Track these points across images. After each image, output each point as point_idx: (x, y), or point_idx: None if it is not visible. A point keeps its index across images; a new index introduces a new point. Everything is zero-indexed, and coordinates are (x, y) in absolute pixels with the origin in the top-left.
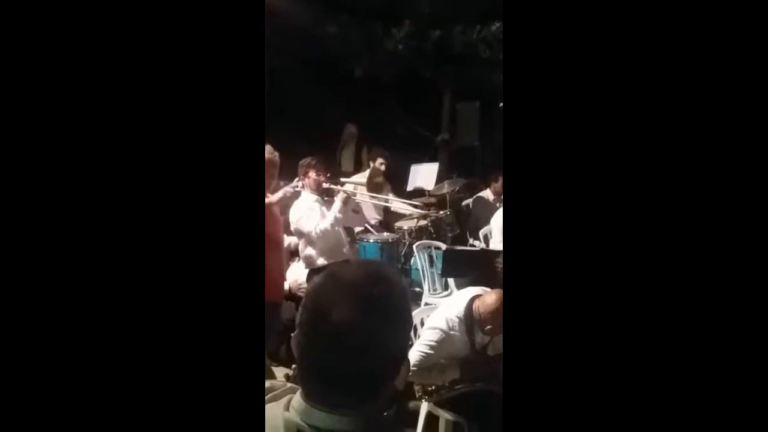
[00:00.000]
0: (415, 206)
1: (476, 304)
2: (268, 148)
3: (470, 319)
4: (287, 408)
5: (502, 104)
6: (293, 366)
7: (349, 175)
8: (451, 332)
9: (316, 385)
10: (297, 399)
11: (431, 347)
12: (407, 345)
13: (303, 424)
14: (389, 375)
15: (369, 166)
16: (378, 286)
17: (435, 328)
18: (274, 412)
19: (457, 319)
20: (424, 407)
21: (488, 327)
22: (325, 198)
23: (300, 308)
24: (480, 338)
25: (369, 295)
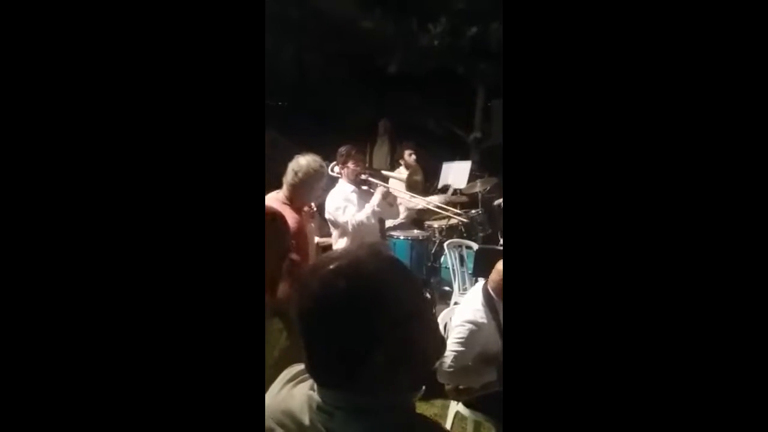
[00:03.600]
0: (453, 211)
1: (489, 280)
2: (317, 159)
3: (491, 300)
4: (312, 387)
5: (489, 103)
6: None
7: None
8: (479, 321)
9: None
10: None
11: (462, 343)
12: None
13: (325, 403)
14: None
15: (400, 162)
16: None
17: (462, 324)
18: (301, 391)
19: (481, 307)
20: (453, 407)
21: None
22: (363, 188)
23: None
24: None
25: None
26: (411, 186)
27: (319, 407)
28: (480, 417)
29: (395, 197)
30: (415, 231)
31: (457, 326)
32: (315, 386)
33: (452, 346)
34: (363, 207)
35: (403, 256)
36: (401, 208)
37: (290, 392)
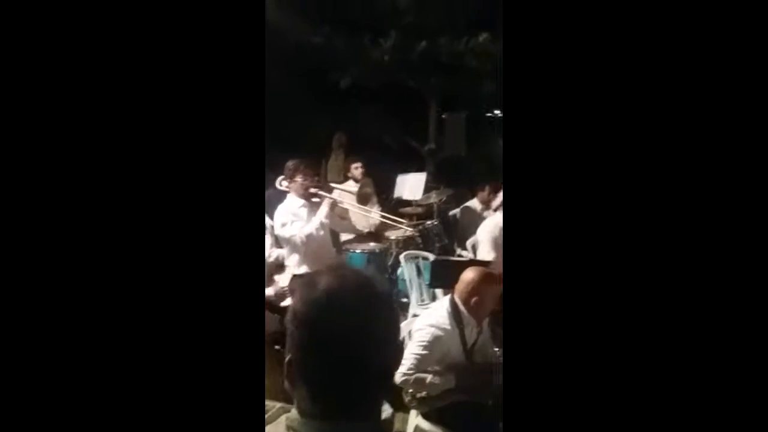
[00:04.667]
0: (401, 222)
1: (455, 290)
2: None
3: (456, 309)
4: (288, 429)
5: (491, 114)
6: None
7: (335, 184)
8: (443, 326)
9: (317, 401)
10: (293, 416)
11: (424, 347)
12: (400, 349)
13: None
14: (387, 381)
15: (348, 176)
16: (370, 298)
17: (424, 328)
18: None
19: (446, 314)
20: (413, 420)
21: (474, 299)
22: (313, 200)
23: (291, 323)
24: (470, 329)
25: (362, 307)
26: (362, 198)
27: None
28: (440, 430)
29: (346, 210)
30: (371, 244)
31: (419, 330)
32: (290, 428)
33: (414, 350)
34: (311, 220)
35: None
36: (363, 222)
37: None
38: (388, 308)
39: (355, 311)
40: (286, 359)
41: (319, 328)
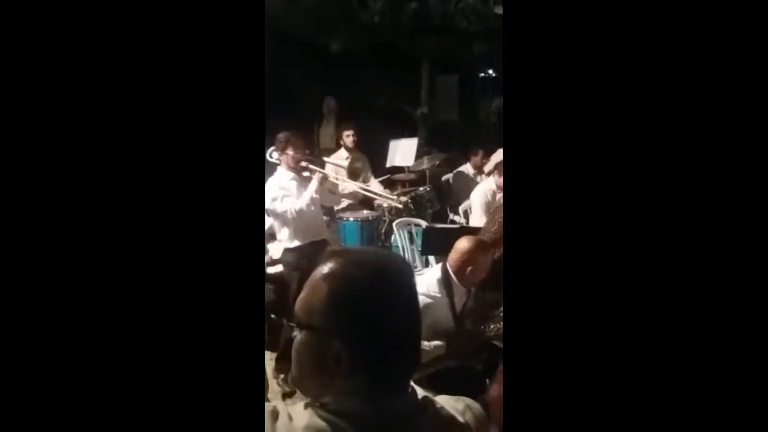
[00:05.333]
0: (390, 198)
1: (449, 258)
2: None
3: (447, 277)
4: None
5: (484, 74)
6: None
7: (328, 151)
8: (432, 294)
9: (359, 384)
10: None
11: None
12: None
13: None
14: (419, 354)
15: (341, 144)
16: (399, 276)
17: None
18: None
19: (435, 282)
20: None
21: (469, 269)
22: (304, 174)
23: (337, 320)
24: (459, 296)
25: (397, 288)
26: (352, 173)
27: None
28: (431, 395)
29: (336, 184)
30: (365, 212)
31: None
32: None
33: None
34: (302, 194)
35: (354, 237)
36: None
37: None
38: (412, 282)
39: (393, 293)
40: (336, 352)
41: (365, 318)
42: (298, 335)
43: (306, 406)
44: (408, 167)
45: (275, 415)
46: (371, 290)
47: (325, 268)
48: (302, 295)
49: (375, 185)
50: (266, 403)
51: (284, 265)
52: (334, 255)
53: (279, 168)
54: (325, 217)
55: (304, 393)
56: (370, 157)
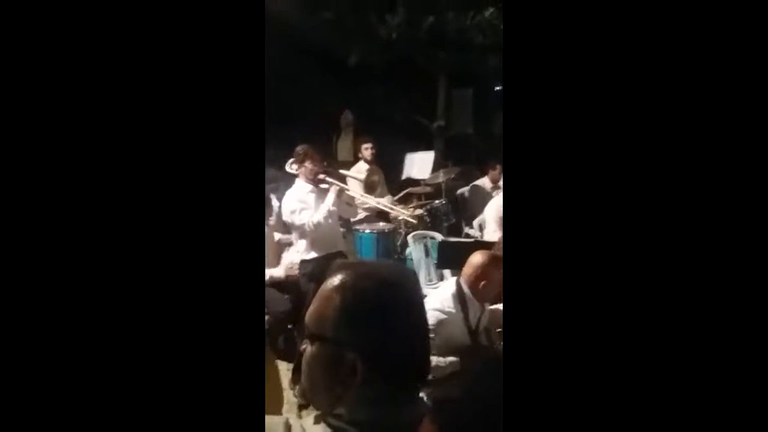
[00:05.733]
0: (405, 213)
1: (462, 273)
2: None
3: (461, 292)
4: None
5: (499, 88)
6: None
7: (345, 164)
8: (447, 310)
9: (371, 394)
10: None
11: (430, 331)
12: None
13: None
14: (429, 364)
15: (359, 157)
16: (408, 286)
17: (428, 311)
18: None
19: (450, 297)
20: None
21: (482, 283)
22: (321, 186)
23: (351, 334)
24: (474, 312)
25: (407, 298)
26: (369, 187)
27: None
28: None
29: (352, 197)
30: (381, 224)
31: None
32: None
33: None
34: (319, 207)
35: (370, 249)
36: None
37: None
38: (419, 291)
39: (402, 304)
40: (350, 362)
41: (378, 329)
42: (308, 348)
43: (317, 419)
44: (424, 180)
45: (288, 428)
46: (383, 301)
47: (336, 280)
48: (313, 307)
49: (390, 200)
50: (279, 417)
51: (300, 276)
52: (342, 268)
53: (297, 180)
54: (341, 229)
55: (316, 406)
56: (387, 170)
